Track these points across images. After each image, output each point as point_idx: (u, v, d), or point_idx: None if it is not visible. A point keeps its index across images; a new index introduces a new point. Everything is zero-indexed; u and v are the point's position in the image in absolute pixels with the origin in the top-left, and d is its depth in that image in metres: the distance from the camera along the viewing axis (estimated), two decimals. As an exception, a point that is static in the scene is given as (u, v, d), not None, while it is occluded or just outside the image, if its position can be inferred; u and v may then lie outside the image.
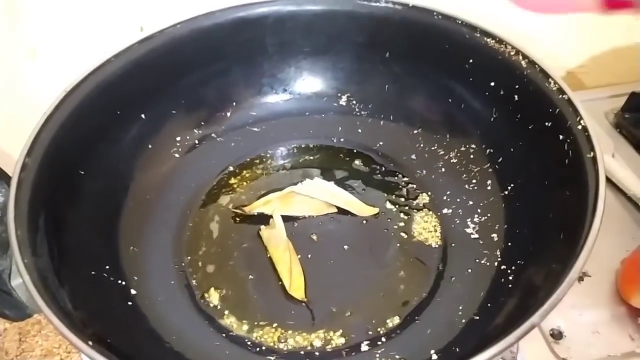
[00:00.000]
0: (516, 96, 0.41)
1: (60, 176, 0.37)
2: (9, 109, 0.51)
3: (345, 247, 0.42)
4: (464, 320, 0.37)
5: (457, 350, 0.34)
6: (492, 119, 0.44)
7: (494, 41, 0.42)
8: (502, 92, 0.42)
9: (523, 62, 0.40)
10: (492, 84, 0.43)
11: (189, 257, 0.42)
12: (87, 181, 0.40)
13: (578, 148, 0.35)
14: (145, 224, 0.43)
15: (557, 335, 0.41)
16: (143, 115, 0.45)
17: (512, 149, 0.43)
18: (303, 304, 0.39)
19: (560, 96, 0.37)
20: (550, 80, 0.38)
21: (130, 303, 0.37)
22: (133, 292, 0.38)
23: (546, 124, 0.38)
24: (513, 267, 0.38)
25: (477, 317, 0.36)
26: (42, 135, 0.36)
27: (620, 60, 0.59)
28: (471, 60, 0.44)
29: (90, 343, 0.26)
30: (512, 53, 0.41)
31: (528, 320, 0.27)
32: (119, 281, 0.38)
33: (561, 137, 0.37)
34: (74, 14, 0.47)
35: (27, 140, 0.35)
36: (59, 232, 0.35)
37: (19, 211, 0.32)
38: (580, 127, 0.35)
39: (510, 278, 0.37)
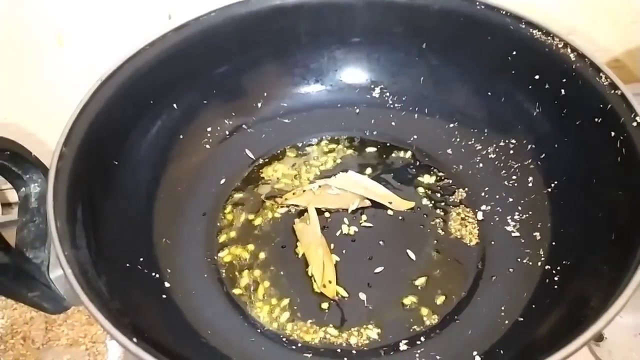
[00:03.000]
0: (563, 90, 0.40)
1: (96, 166, 0.36)
2: (35, 97, 0.50)
3: (381, 242, 0.41)
4: (507, 322, 0.35)
5: (502, 352, 0.33)
6: (535, 114, 0.43)
7: (540, 33, 0.40)
8: (547, 86, 0.41)
9: (571, 55, 0.39)
10: (537, 77, 0.41)
11: (221, 250, 0.41)
12: (121, 171, 0.39)
13: (633, 146, 0.33)
14: (177, 215, 0.42)
15: (597, 337, 0.40)
16: (175, 105, 0.44)
17: (556, 145, 0.41)
18: (334, 302, 0.38)
19: (613, 91, 0.36)
20: (601, 74, 0.37)
21: (164, 296, 0.37)
22: (167, 284, 0.38)
23: (596, 119, 0.37)
24: (559, 268, 0.36)
25: (522, 319, 0.35)
26: (78, 124, 0.35)
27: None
28: (514, 52, 0.42)
29: (135, 340, 0.26)
30: (559, 45, 0.39)
31: (586, 331, 0.26)
32: (153, 274, 0.38)
33: (613, 134, 0.35)
34: (101, 0, 0.46)
35: (63, 128, 0.34)
36: (95, 224, 0.34)
37: (57, 202, 0.31)
38: (635, 124, 0.34)
39: (556, 279, 0.36)
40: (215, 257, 0.41)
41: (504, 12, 0.42)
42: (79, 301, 0.28)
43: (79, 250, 0.30)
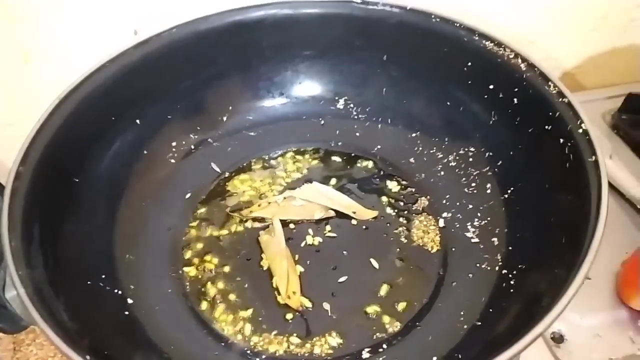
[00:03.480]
0: (515, 99, 0.41)
1: (54, 184, 0.36)
2: (1, 114, 0.50)
3: (345, 252, 0.42)
4: (466, 327, 0.36)
5: (460, 357, 0.34)
6: (491, 122, 0.44)
7: (492, 44, 0.42)
8: (501, 95, 0.42)
9: (522, 65, 0.40)
10: (491, 87, 0.43)
11: (186, 265, 0.41)
12: (82, 189, 0.39)
13: (579, 152, 0.35)
14: (141, 231, 0.42)
15: (558, 339, 0.40)
16: (138, 121, 0.44)
17: (511, 152, 0.42)
18: (298, 313, 0.39)
19: (560, 99, 0.37)
20: (550, 83, 0.38)
21: (127, 313, 0.37)
22: (130, 301, 0.38)
23: (546, 127, 0.38)
24: (515, 272, 0.37)
25: (480, 323, 0.36)
26: (35, 143, 0.35)
27: (617, 62, 0.59)
28: (470, 64, 0.43)
29: (88, 357, 0.26)
30: (511, 56, 0.41)
31: (534, 329, 0.27)
32: (115, 290, 0.38)
33: (561, 140, 0.36)
34: (68, 17, 0.46)
35: (20, 147, 0.34)
36: (53, 242, 0.34)
37: (12, 222, 0.31)
38: (580, 130, 0.35)
39: (512, 283, 0.37)
40: (180, 272, 0.41)
41: (458, 25, 0.43)
42: (35, 321, 0.28)
43: (35, 270, 0.30)
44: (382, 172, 0.47)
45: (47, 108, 0.37)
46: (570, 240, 0.33)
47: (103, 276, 0.37)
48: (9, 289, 0.30)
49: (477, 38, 0.42)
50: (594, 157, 0.33)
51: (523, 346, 0.27)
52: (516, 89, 0.40)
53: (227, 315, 0.39)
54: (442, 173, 0.46)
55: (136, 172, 0.44)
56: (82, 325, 0.31)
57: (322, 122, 0.50)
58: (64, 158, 0.37)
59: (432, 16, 0.44)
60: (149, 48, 0.43)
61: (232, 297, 0.40)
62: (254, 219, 0.44)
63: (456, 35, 0.43)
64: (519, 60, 0.40)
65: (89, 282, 0.36)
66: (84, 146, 0.40)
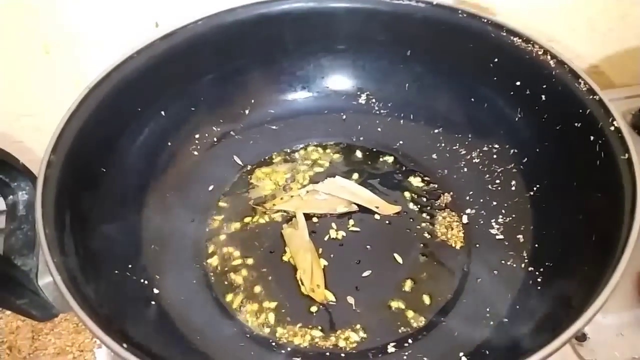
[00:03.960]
0: (543, 96, 0.41)
1: (84, 173, 0.36)
2: (22, 105, 0.50)
3: (368, 247, 0.42)
4: (492, 323, 0.36)
5: (488, 353, 0.34)
6: (516, 119, 0.44)
7: (520, 40, 0.41)
8: (527, 92, 0.42)
9: (551, 62, 0.40)
10: (518, 83, 0.42)
11: (209, 256, 0.42)
12: (109, 179, 0.39)
13: (611, 150, 0.34)
14: (166, 222, 0.42)
15: (580, 337, 0.40)
16: (163, 112, 0.44)
17: (537, 149, 0.42)
18: (322, 306, 0.39)
19: (591, 97, 0.37)
20: (580, 80, 0.38)
21: (153, 302, 0.37)
22: (156, 291, 0.38)
23: (575, 124, 0.38)
24: (541, 269, 0.37)
25: (507, 320, 0.36)
26: (66, 132, 0.35)
27: (635, 61, 0.59)
28: (496, 60, 0.43)
29: (125, 345, 0.26)
30: (539, 52, 0.40)
31: (569, 329, 0.26)
32: (142, 280, 0.38)
33: (592, 138, 0.36)
34: (88, 9, 0.46)
35: (52, 136, 0.35)
36: (83, 231, 0.34)
37: (46, 210, 0.31)
38: (612, 128, 0.35)
39: (539, 280, 0.37)
40: (204, 263, 0.41)
41: (485, 20, 0.43)
42: (68, 308, 0.28)
43: (68, 257, 0.30)
44: (404, 168, 0.47)
45: (76, 98, 0.37)
46: (600, 240, 0.33)
47: (130, 265, 0.38)
48: (42, 276, 0.30)
49: (504, 34, 0.42)
50: (627, 155, 0.33)
51: (554, 349, 0.27)
52: (544, 86, 0.40)
53: (251, 306, 0.39)
54: (465, 169, 0.46)
55: (160, 164, 0.44)
56: (112, 312, 0.31)
57: (344, 116, 0.50)
58: (93, 147, 0.38)
59: (459, 11, 0.43)
60: (175, 40, 0.43)
61: (256, 289, 0.40)
62: (277, 212, 0.44)
63: (483, 30, 0.43)
64: (548, 57, 0.40)
65: (116, 271, 0.36)
66: (112, 136, 0.40)
